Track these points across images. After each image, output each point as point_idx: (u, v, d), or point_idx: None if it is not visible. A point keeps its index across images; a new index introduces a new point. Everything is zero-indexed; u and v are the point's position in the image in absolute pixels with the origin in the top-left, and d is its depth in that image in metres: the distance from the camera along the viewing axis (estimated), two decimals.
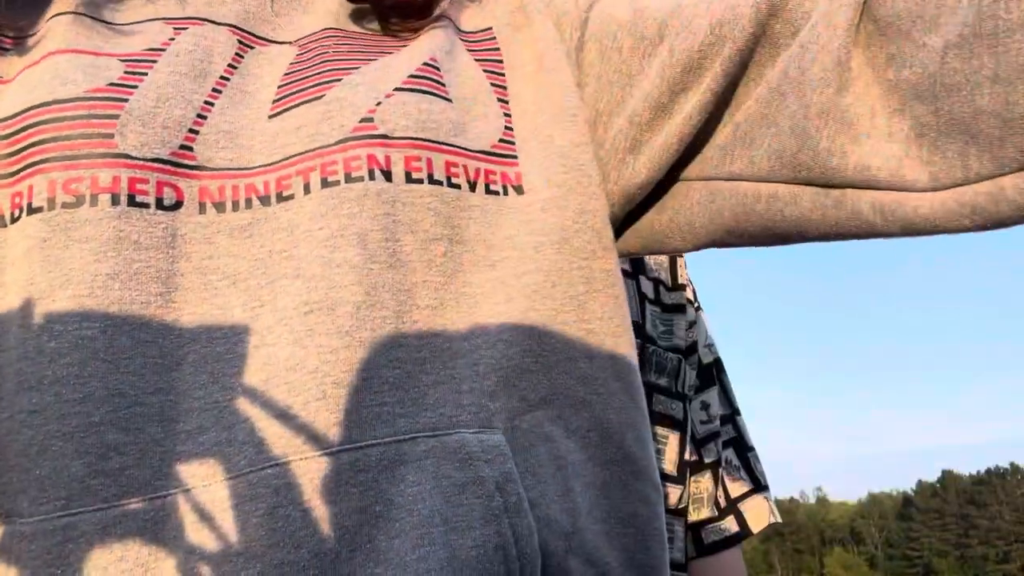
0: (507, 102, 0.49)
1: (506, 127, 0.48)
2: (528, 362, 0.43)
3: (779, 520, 0.98)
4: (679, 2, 0.48)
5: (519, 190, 0.47)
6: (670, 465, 0.92)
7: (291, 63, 0.47)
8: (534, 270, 0.44)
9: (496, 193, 0.46)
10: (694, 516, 0.95)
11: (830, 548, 69.32)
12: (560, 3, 0.53)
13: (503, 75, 0.50)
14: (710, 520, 0.95)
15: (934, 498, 68.35)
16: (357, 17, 0.51)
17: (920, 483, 71.50)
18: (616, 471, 0.45)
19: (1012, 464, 66.88)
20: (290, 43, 0.49)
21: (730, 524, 0.95)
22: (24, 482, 0.36)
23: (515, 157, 0.47)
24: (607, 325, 0.46)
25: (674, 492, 0.92)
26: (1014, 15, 0.35)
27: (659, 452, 0.92)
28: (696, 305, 1.01)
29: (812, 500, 79.33)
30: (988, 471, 67.11)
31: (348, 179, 0.41)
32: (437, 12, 0.51)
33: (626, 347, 0.47)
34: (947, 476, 69.16)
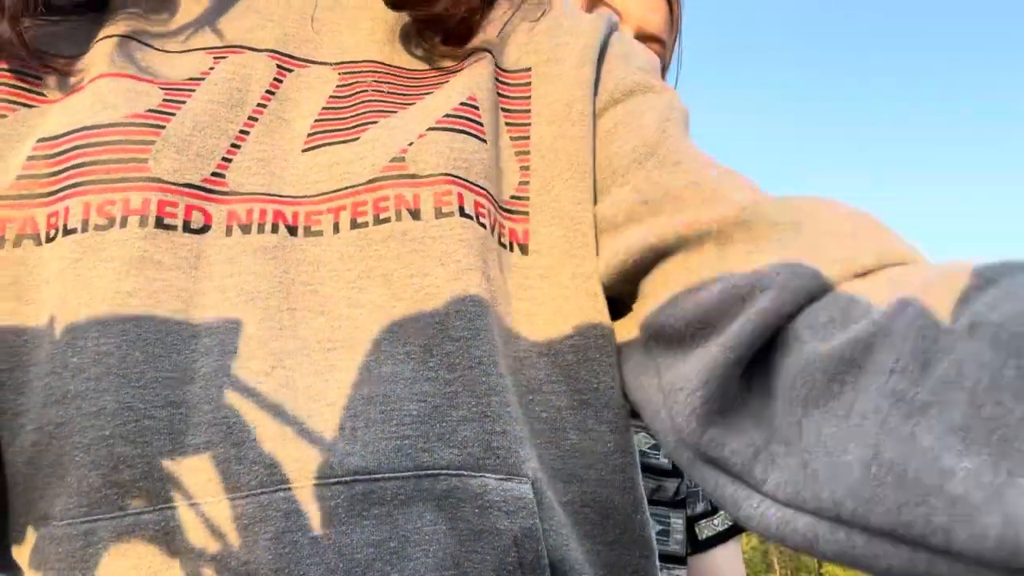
0: (527, 153, 0.48)
1: (521, 182, 0.47)
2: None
3: None
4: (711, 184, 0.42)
5: (524, 249, 0.46)
6: (667, 459, 0.92)
7: (330, 96, 0.47)
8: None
9: (504, 247, 0.45)
10: (689, 511, 0.94)
11: None
12: (616, 68, 0.50)
13: (527, 124, 0.49)
14: (703, 515, 0.94)
15: None
16: (405, 42, 0.50)
17: None
18: (621, 551, 0.44)
19: None
20: (331, 65, 0.48)
21: (724, 519, 0.94)
22: (57, 488, 0.38)
23: (526, 214, 0.47)
24: (598, 396, 0.45)
25: (671, 485, 0.92)
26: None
27: (656, 449, 0.92)
28: None
29: None
30: None
31: (376, 220, 0.42)
32: (480, 39, 0.50)
33: (621, 417, 0.45)
34: None
